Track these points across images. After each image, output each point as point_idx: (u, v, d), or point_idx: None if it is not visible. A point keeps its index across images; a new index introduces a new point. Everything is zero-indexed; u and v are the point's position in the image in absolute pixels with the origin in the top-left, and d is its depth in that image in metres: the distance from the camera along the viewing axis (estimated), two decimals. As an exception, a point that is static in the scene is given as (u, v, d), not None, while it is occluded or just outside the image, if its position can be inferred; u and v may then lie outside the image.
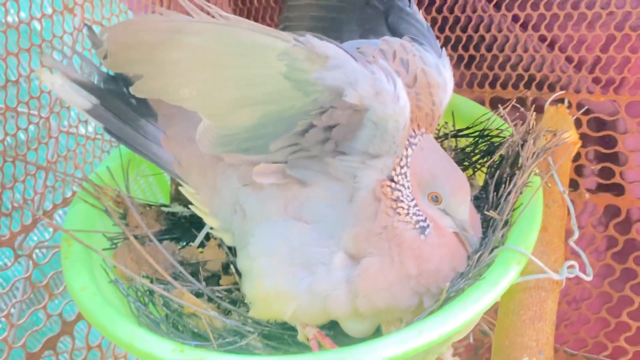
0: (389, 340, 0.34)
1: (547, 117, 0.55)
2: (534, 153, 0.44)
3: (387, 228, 0.42)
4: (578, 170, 0.60)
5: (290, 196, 0.45)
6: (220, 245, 0.55)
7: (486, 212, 0.43)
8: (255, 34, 0.37)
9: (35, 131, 0.50)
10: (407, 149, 0.42)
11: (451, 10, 0.59)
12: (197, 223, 0.59)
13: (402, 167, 0.42)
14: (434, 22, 0.60)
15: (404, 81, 0.43)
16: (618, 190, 0.59)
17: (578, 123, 0.56)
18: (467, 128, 0.56)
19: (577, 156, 0.59)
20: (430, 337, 0.35)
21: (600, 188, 0.60)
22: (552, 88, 0.56)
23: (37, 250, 0.51)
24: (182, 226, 0.60)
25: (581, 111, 0.57)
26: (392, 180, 0.42)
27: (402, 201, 0.42)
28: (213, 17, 0.36)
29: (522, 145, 0.45)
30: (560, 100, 0.56)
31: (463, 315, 0.36)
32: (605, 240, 0.62)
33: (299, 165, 0.44)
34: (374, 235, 0.42)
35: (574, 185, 0.61)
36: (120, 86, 0.52)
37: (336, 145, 0.42)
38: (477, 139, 0.55)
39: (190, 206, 0.53)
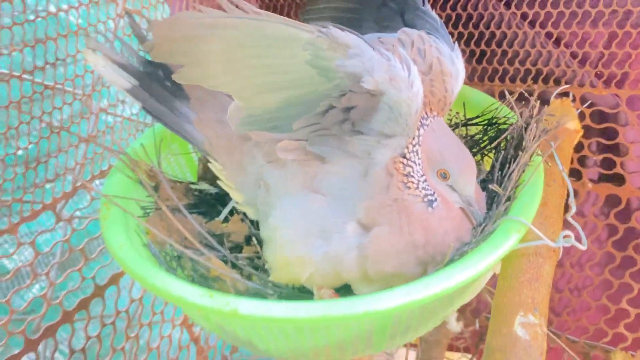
0: (395, 291, 0.38)
1: (552, 108, 0.58)
2: (536, 135, 0.47)
3: (398, 200, 0.46)
4: (581, 161, 0.63)
5: (309, 171, 0.49)
6: (243, 219, 0.60)
7: (490, 186, 0.47)
8: (283, 26, 0.41)
9: (79, 108, 0.55)
10: (419, 130, 0.46)
11: (464, 8, 0.63)
12: (221, 200, 0.63)
13: (414, 146, 0.46)
14: (448, 19, 0.64)
15: (420, 69, 0.47)
16: (619, 180, 0.62)
17: (581, 115, 0.60)
18: (477, 117, 0.60)
19: (581, 147, 0.62)
20: (434, 290, 0.38)
21: (602, 178, 0.63)
22: (557, 82, 0.60)
23: (76, 220, 0.56)
24: (208, 202, 0.64)
25: (586, 104, 0.60)
26: (404, 157, 0.46)
27: (412, 176, 0.46)
28: (246, 12, 0.41)
29: (526, 129, 0.49)
30: (565, 94, 0.59)
31: (465, 272, 0.39)
32: (606, 228, 0.65)
33: (319, 143, 0.48)
34: (385, 206, 0.46)
35: (577, 175, 0.64)
36: (157, 70, 0.57)
37: (353, 126, 0.46)
38: (485, 126, 0.58)
39: (217, 182, 0.58)
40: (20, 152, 0.52)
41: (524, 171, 0.48)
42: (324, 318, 0.38)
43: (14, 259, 0.54)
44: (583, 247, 0.43)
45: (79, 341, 0.59)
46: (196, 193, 0.64)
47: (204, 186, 0.65)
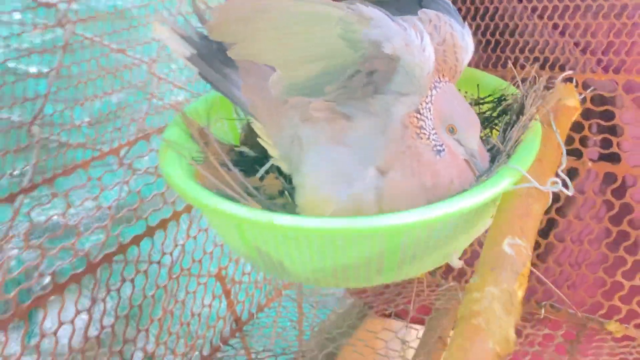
0: (407, 212, 0.46)
1: (556, 91, 0.66)
2: (534, 101, 0.55)
3: (411, 148, 0.54)
4: (582, 141, 0.70)
5: (337, 127, 0.58)
6: (277, 177, 0.69)
7: (492, 140, 0.55)
8: (319, 6, 0.50)
9: (145, 71, 0.66)
10: (432, 91, 0.55)
11: (482, 2, 0.71)
12: (259, 162, 0.72)
13: (427, 104, 0.54)
14: (467, 12, 0.72)
15: (435, 41, 0.56)
16: (615, 159, 0.69)
17: (583, 100, 0.67)
18: (488, 96, 0.68)
19: (582, 129, 0.69)
20: (438, 212, 0.46)
21: (601, 157, 0.70)
22: (562, 68, 0.67)
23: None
24: (247, 163, 0.73)
25: (589, 90, 0.67)
26: (418, 112, 0.54)
27: (424, 129, 0.54)
28: None
29: (526, 97, 0.56)
30: (569, 80, 0.67)
31: (465, 201, 0.47)
32: (604, 205, 0.72)
33: (346, 104, 0.57)
34: (399, 154, 0.54)
35: (578, 154, 0.71)
36: (211, 43, 0.67)
37: (375, 88, 0.55)
38: (495, 103, 0.66)
39: (258, 140, 0.67)
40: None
41: (523, 133, 0.56)
42: (347, 229, 0.47)
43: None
44: (569, 192, 0.51)
45: (130, 273, 0.68)
46: (238, 155, 0.74)
47: (245, 149, 0.74)
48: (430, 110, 0.54)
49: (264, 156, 0.69)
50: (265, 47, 0.55)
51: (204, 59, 0.66)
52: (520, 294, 0.44)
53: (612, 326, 0.75)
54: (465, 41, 0.56)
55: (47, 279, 0.59)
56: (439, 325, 0.85)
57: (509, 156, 0.54)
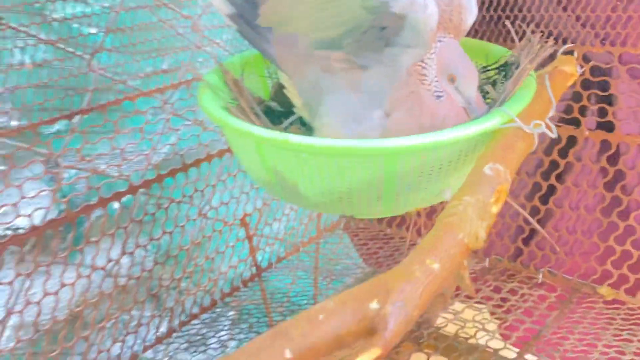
0: (404, 138, 0.54)
1: (557, 61, 0.72)
2: (530, 56, 0.62)
3: (413, 92, 0.61)
4: (581, 111, 0.76)
5: (352, 76, 0.66)
6: (300, 128, 0.77)
7: (485, 87, 0.62)
8: None
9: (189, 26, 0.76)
10: (436, 44, 0.62)
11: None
12: (285, 115, 0.81)
13: (430, 54, 0.62)
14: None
15: (444, 2, 0.64)
16: (611, 128, 0.74)
17: (583, 71, 0.73)
18: (494, 63, 0.75)
19: (580, 98, 0.75)
20: (430, 139, 0.54)
21: (598, 126, 0.75)
22: (564, 42, 0.74)
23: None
24: (275, 115, 0.82)
25: (590, 64, 0.73)
26: (422, 62, 0.62)
27: (426, 76, 0.62)
28: None
29: (522, 54, 0.63)
30: (571, 52, 0.73)
31: (454, 133, 0.55)
32: (600, 172, 0.77)
33: (361, 55, 0.65)
34: (403, 97, 0.62)
35: (577, 123, 0.77)
36: (250, 5, 0.77)
37: (386, 42, 0.63)
38: (500, 69, 0.73)
39: (284, 90, 0.75)
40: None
41: (517, 86, 0.63)
42: (349, 147, 0.55)
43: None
44: (553, 135, 0.57)
45: (164, 202, 0.78)
46: (267, 108, 0.83)
47: (273, 104, 0.83)
48: (433, 61, 0.62)
49: (289, 111, 0.78)
50: (302, 23, 0.66)
51: (243, 17, 0.76)
52: (495, 208, 0.51)
53: (603, 290, 0.80)
54: (470, 3, 0.64)
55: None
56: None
57: (501, 104, 0.61)
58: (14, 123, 0.82)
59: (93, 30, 0.90)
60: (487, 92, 0.72)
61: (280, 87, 0.78)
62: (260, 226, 0.94)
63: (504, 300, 0.82)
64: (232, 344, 0.84)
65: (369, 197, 0.61)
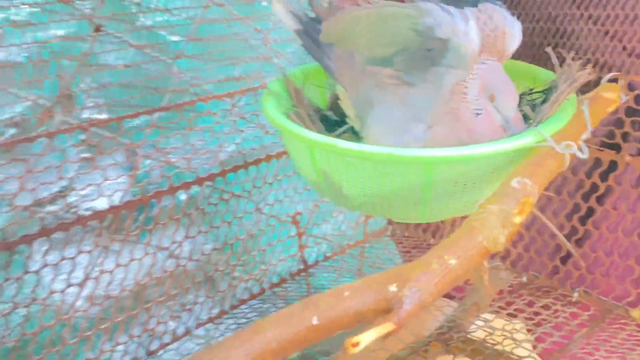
0: (432, 150, 0.60)
1: (601, 88, 0.76)
2: (569, 81, 0.67)
3: (454, 109, 0.67)
4: (624, 137, 0.79)
5: (401, 92, 0.72)
6: (350, 136, 0.84)
7: (523, 109, 0.67)
8: (396, 9, 0.69)
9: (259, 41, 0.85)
10: (479, 65, 0.68)
11: (538, 7, 0.83)
12: (339, 125, 0.88)
13: (473, 75, 0.68)
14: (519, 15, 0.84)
15: (488, 28, 0.69)
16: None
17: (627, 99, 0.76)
18: (540, 86, 0.79)
19: (622, 124, 0.78)
20: (460, 152, 0.60)
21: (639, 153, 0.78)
22: (609, 70, 0.77)
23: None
24: (329, 124, 0.89)
25: (635, 92, 0.76)
26: (464, 81, 0.68)
27: (467, 95, 0.67)
28: (370, 4, 0.68)
29: (561, 78, 0.68)
30: (615, 80, 0.77)
31: (487, 148, 0.60)
32: (639, 197, 0.79)
33: (409, 73, 0.71)
34: (444, 112, 0.68)
35: (618, 149, 0.80)
36: (314, 23, 0.85)
37: (432, 62, 0.69)
38: (544, 91, 0.77)
39: (339, 102, 0.83)
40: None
41: (555, 108, 0.67)
42: (390, 154, 0.62)
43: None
44: (584, 156, 0.61)
45: (226, 195, 0.86)
46: (322, 116, 0.90)
47: (329, 113, 0.91)
48: (475, 81, 0.67)
49: (343, 120, 0.85)
50: (358, 41, 0.74)
51: (308, 33, 0.84)
52: (518, 218, 0.55)
53: (636, 313, 0.82)
54: (514, 29, 0.69)
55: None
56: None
57: (537, 125, 0.66)
58: (103, 116, 0.93)
59: (175, 38, 1.00)
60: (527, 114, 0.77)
61: (336, 98, 0.85)
62: (310, 225, 1.01)
63: (536, 314, 0.85)
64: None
65: (406, 202, 0.67)
